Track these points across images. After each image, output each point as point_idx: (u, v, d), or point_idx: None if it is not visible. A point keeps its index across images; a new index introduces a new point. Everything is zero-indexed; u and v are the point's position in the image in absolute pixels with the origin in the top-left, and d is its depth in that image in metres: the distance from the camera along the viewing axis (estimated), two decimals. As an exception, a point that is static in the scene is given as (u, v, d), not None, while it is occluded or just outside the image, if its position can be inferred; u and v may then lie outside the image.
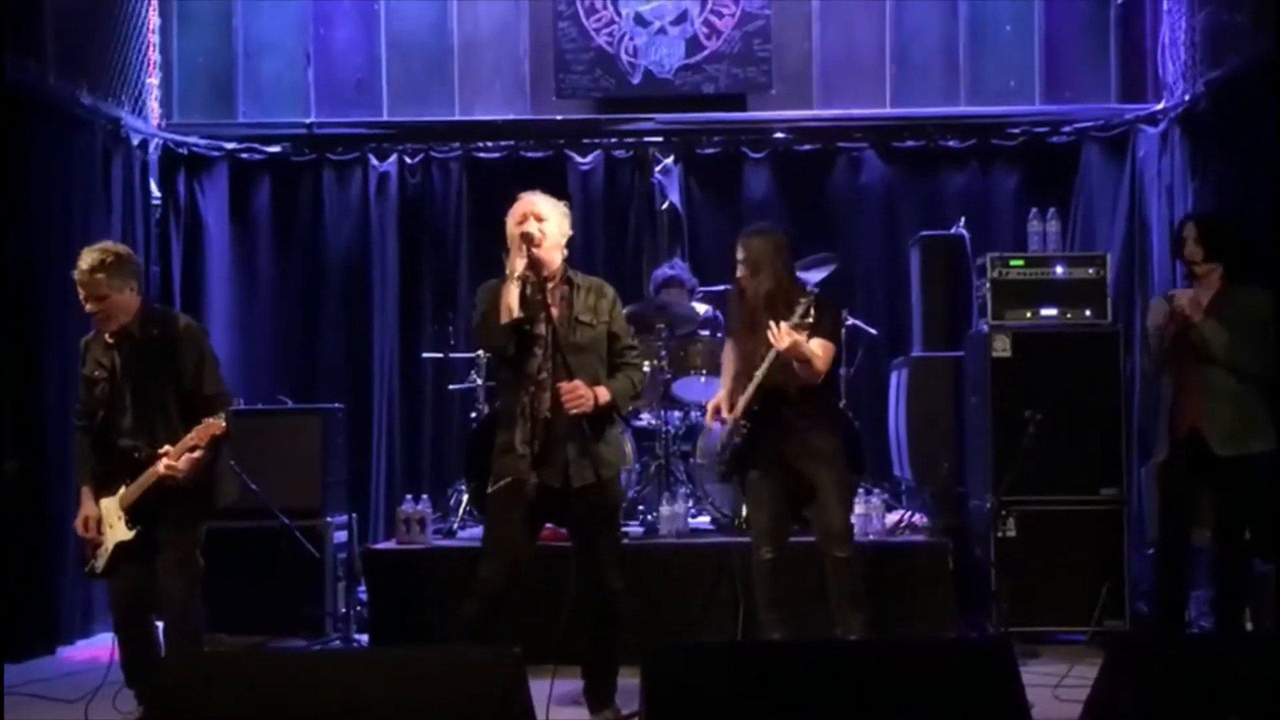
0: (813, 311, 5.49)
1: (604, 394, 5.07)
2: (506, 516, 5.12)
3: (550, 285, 5.09)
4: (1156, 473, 6.16)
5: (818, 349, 5.59)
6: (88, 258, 5.22)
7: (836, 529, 5.73)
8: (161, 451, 5.15)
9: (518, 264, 4.99)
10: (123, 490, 5.23)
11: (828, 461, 5.74)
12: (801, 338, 5.47)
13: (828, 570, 5.75)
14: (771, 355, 5.53)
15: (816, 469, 5.71)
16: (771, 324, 5.49)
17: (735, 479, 5.95)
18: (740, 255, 5.79)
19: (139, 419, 5.24)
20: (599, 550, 5.17)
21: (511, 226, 5.11)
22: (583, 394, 4.98)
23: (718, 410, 5.84)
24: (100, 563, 5.29)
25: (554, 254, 5.11)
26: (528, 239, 5.00)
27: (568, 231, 5.18)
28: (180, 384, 5.26)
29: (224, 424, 5.15)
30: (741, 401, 5.68)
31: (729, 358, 5.95)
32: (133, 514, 5.22)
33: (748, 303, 5.78)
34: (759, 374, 5.59)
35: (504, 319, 4.97)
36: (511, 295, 4.97)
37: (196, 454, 5.13)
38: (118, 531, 5.25)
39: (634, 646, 3.92)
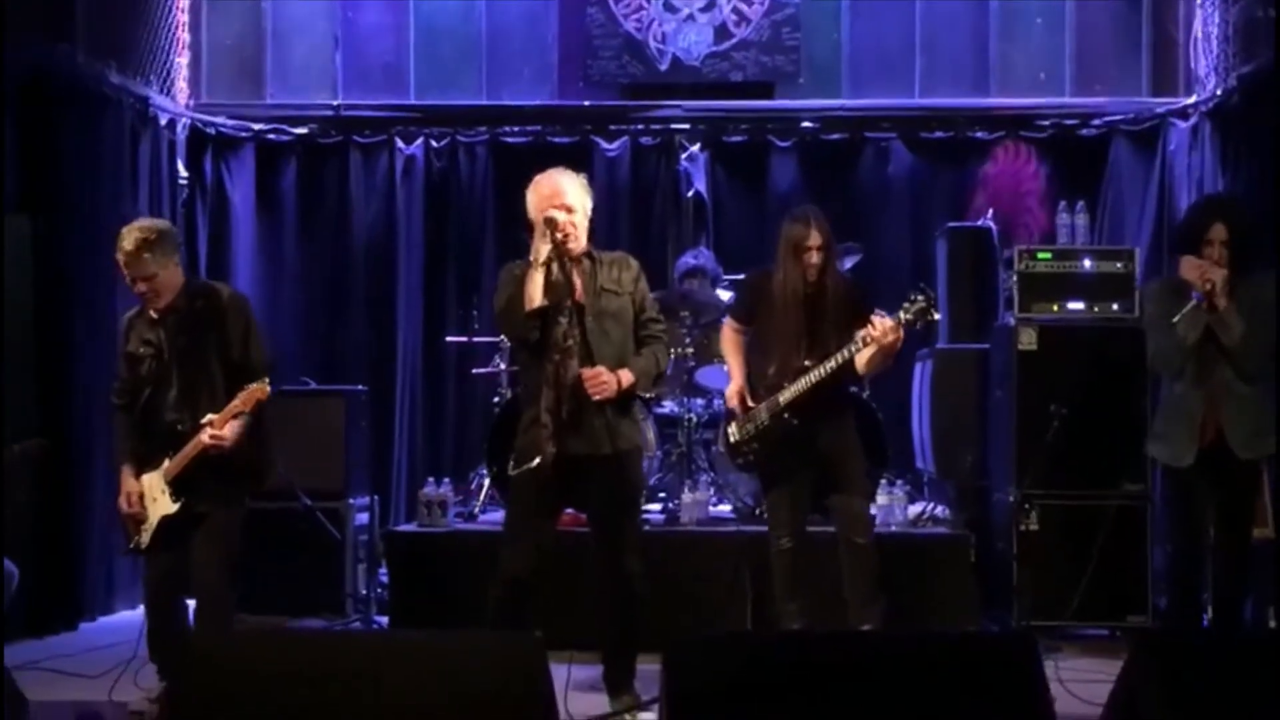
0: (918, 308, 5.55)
1: (627, 377, 5.05)
2: (530, 498, 5.10)
3: (573, 264, 5.05)
4: (1178, 478, 5.74)
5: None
6: (130, 238, 5.14)
7: (858, 515, 5.77)
8: (205, 421, 5.09)
9: (542, 250, 4.96)
10: (166, 463, 5.17)
11: (853, 450, 5.77)
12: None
13: (845, 560, 5.76)
14: (870, 350, 5.51)
15: (841, 457, 5.73)
16: (875, 318, 5.48)
17: (756, 469, 5.92)
18: (815, 240, 5.66)
19: (185, 393, 5.19)
20: (619, 531, 5.16)
21: (534, 208, 5.08)
22: (606, 379, 4.97)
23: (743, 399, 5.80)
24: (146, 537, 5.23)
25: (580, 238, 5.11)
26: (552, 225, 4.97)
27: (590, 210, 5.16)
28: (227, 355, 5.21)
29: (267, 388, 5.10)
30: (790, 394, 5.65)
31: (737, 342, 5.93)
32: (177, 487, 5.16)
33: (788, 286, 5.69)
34: (832, 365, 5.58)
35: (528, 306, 4.95)
36: (535, 284, 4.95)
37: (240, 420, 5.09)
38: (162, 505, 5.18)
39: (654, 634, 3.92)
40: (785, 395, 5.68)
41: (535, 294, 4.94)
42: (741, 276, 6.74)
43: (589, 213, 5.15)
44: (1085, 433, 6.60)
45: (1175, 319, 5.49)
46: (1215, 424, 5.59)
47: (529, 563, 5.07)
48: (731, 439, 5.90)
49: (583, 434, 5.01)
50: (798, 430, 5.69)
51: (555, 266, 4.98)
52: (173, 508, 5.17)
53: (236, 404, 5.07)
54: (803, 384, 5.64)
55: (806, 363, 5.65)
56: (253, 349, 5.27)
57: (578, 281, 5.01)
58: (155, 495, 5.21)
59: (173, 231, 5.36)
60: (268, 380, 5.14)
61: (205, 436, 5.07)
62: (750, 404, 5.78)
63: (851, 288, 5.90)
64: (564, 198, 5.07)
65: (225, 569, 5.20)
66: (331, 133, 8.85)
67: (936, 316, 5.74)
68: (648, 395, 7.14)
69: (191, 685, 3.65)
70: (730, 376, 5.97)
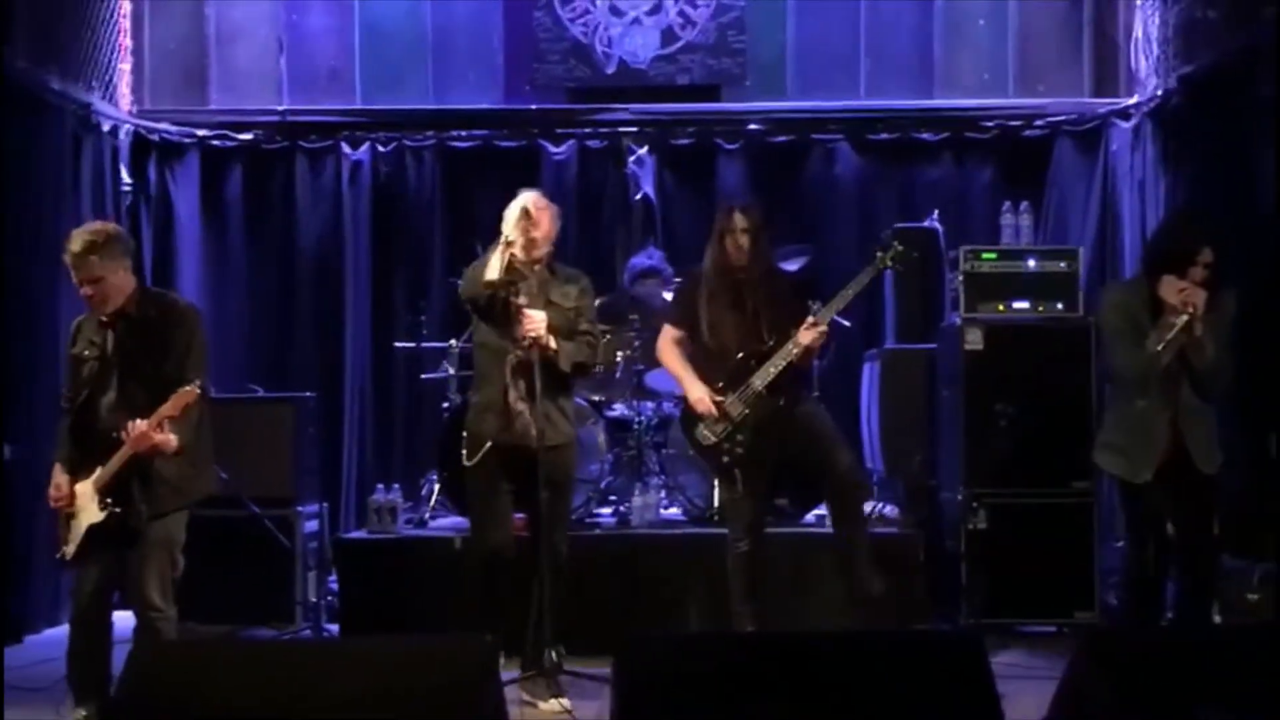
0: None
1: (554, 342, 5.51)
2: (491, 480, 5.60)
3: (535, 269, 5.56)
4: (1135, 490, 5.61)
5: None
6: (78, 240, 5.06)
7: (851, 464, 5.94)
8: (130, 426, 4.96)
9: (512, 234, 5.46)
10: (98, 471, 5.06)
11: (819, 417, 5.93)
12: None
13: (845, 519, 5.90)
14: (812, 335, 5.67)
15: (809, 424, 5.84)
16: (805, 329, 5.68)
17: (740, 465, 5.83)
18: (740, 223, 5.78)
19: (122, 400, 5.08)
20: (555, 512, 5.58)
21: (510, 221, 5.51)
22: (539, 323, 5.45)
23: (711, 400, 5.78)
24: (71, 548, 5.09)
25: (543, 248, 5.59)
26: (526, 216, 5.49)
27: (557, 230, 5.66)
28: (166, 366, 5.10)
29: (197, 390, 4.98)
30: (763, 377, 5.72)
31: (678, 350, 5.96)
32: (106, 495, 5.03)
33: (715, 269, 5.82)
34: (795, 351, 5.70)
35: (486, 275, 5.45)
36: (498, 258, 5.44)
37: (172, 425, 4.98)
38: (89, 514, 5.05)
39: (606, 636, 3.92)
40: (759, 380, 5.71)
41: (494, 266, 5.44)
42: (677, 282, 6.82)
43: (552, 237, 5.63)
44: (1032, 431, 6.67)
45: (1160, 346, 5.36)
46: (1176, 440, 5.52)
47: (507, 537, 5.58)
48: (708, 441, 5.83)
49: (524, 426, 5.47)
50: (780, 410, 5.73)
51: (519, 258, 5.46)
52: (99, 517, 5.03)
53: (165, 409, 4.95)
54: (775, 363, 5.70)
55: (771, 343, 5.72)
56: (189, 365, 5.13)
57: (533, 288, 5.53)
58: (85, 504, 5.07)
59: (122, 235, 5.26)
60: (198, 383, 5.04)
61: (132, 431, 4.93)
62: (719, 400, 5.77)
63: (792, 283, 6.04)
64: (537, 229, 5.53)
65: (162, 582, 5.09)
66: (277, 138, 8.78)
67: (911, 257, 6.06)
68: (597, 399, 7.17)
69: (138, 697, 3.62)
70: (685, 384, 5.90)
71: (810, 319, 5.69)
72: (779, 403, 5.74)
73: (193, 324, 5.25)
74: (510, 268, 5.45)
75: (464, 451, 5.64)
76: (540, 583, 5.52)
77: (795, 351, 5.69)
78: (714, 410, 5.76)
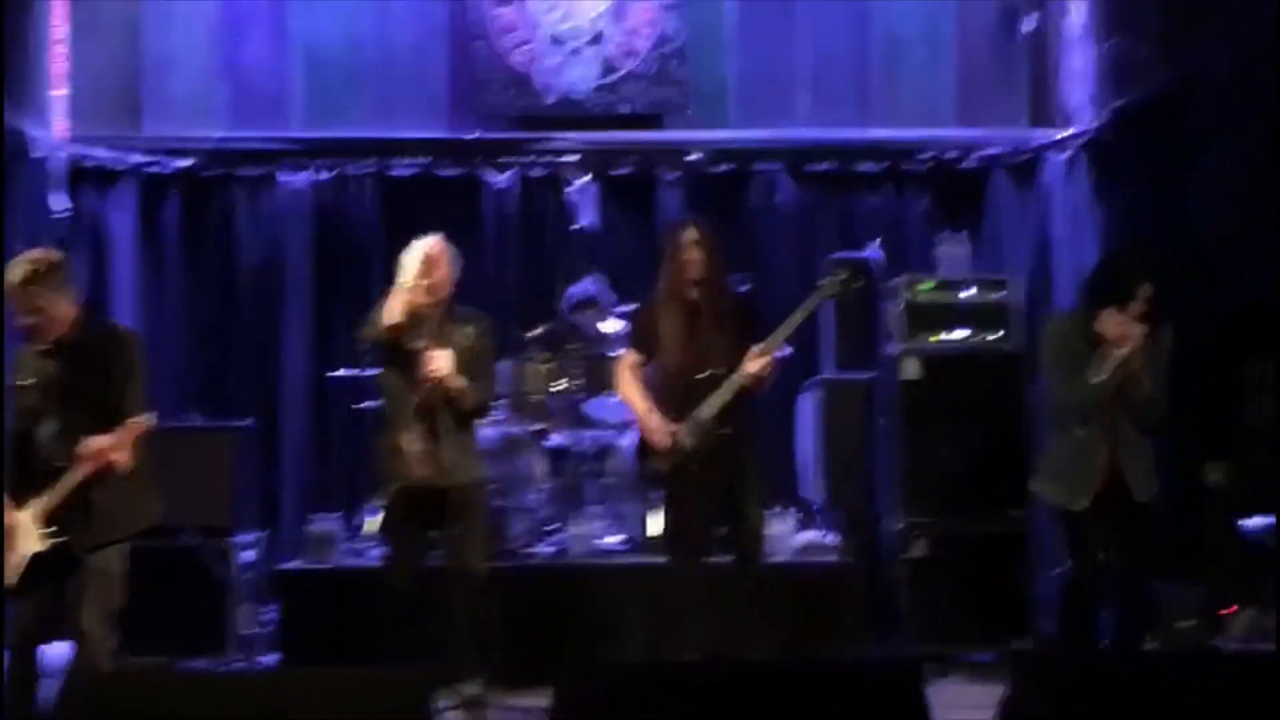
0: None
1: (458, 382, 5.64)
2: (404, 521, 5.77)
3: (436, 312, 5.71)
4: (1073, 517, 5.72)
5: None
6: (18, 270, 5.00)
7: (756, 549, 5.86)
8: (82, 449, 4.94)
9: (411, 278, 5.67)
10: (43, 499, 5.00)
11: (757, 475, 5.87)
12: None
13: (738, 588, 5.80)
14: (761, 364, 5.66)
15: (746, 482, 5.79)
16: (750, 361, 5.64)
17: (690, 492, 5.81)
18: (693, 237, 5.79)
19: (64, 429, 5.03)
20: (466, 550, 5.72)
21: (410, 265, 5.71)
22: (442, 362, 5.58)
23: (664, 427, 5.76)
24: (13, 577, 5.00)
25: (444, 291, 5.76)
26: (427, 262, 5.69)
27: (457, 273, 5.83)
28: (106, 395, 5.06)
29: (150, 421, 5.00)
30: (712, 406, 5.68)
31: (636, 377, 5.93)
32: (49, 525, 4.97)
33: (669, 289, 5.81)
34: (738, 382, 5.67)
35: (387, 320, 5.65)
36: (396, 302, 5.65)
37: (117, 454, 4.96)
38: (31, 542, 4.99)
39: (544, 666, 3.91)
40: (707, 410, 5.68)
41: (394, 310, 5.64)
42: (635, 308, 6.79)
43: (451, 280, 5.80)
44: (969, 460, 6.72)
45: (1099, 378, 5.47)
46: (1114, 469, 5.62)
47: (416, 573, 5.74)
48: (659, 470, 5.82)
49: (434, 464, 5.64)
50: (727, 442, 5.70)
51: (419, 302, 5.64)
52: (41, 545, 4.99)
53: (116, 438, 4.95)
54: (724, 392, 5.67)
55: (722, 369, 5.69)
56: (129, 395, 5.11)
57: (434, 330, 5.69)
58: (26, 533, 5.01)
59: (65, 264, 5.21)
60: (148, 415, 5.03)
61: (82, 455, 4.92)
62: (673, 430, 5.75)
63: (744, 306, 6.01)
64: (432, 273, 5.71)
65: (101, 613, 5.05)
66: (214, 165, 8.71)
67: (856, 284, 6.05)
68: (536, 428, 7.15)
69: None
70: (640, 414, 5.88)
71: (757, 348, 5.68)
72: (727, 431, 5.71)
73: (133, 351, 5.22)
74: (410, 310, 5.62)
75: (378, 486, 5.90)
76: (454, 619, 5.62)
77: (743, 380, 5.68)
78: (669, 443, 5.74)
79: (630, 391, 5.95)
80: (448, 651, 5.57)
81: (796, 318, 5.87)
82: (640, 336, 6.00)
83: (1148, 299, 5.50)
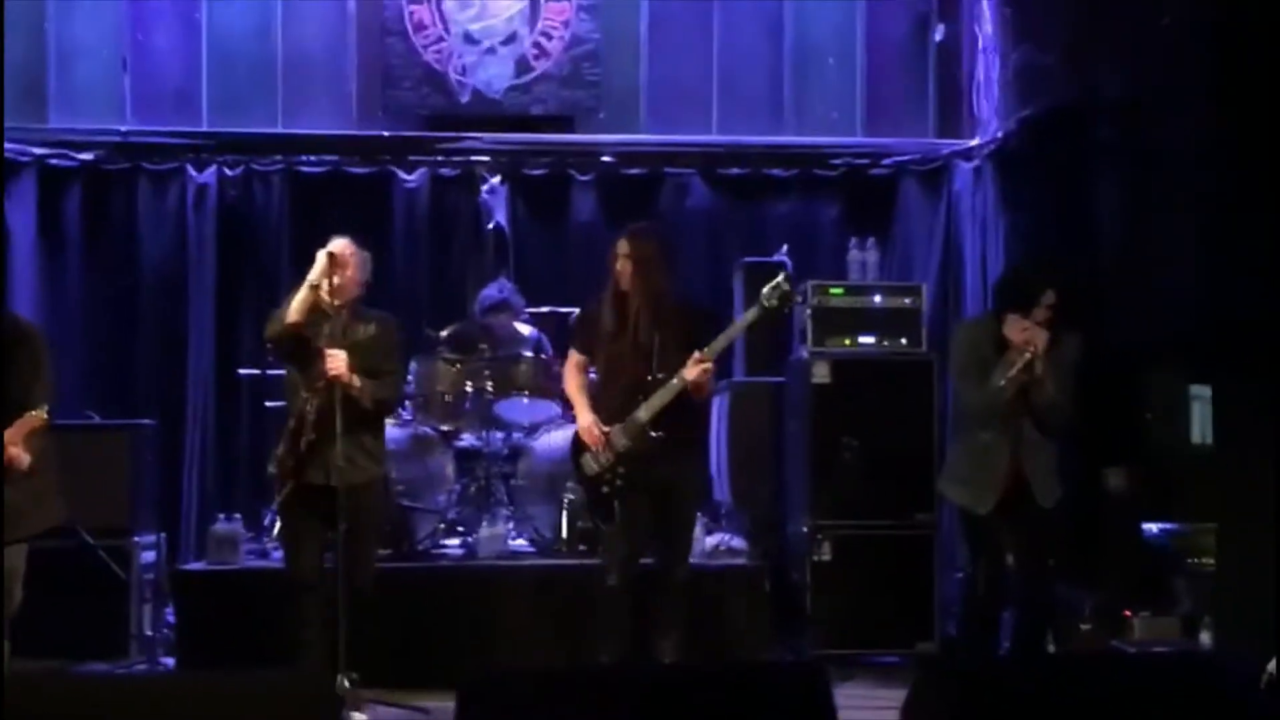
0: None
1: (356, 380, 5.62)
2: (300, 519, 5.75)
3: (341, 312, 5.70)
4: (977, 520, 5.77)
5: None
6: None
7: (685, 554, 5.89)
8: None
9: (315, 275, 5.66)
10: None
11: (695, 489, 5.99)
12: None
13: (660, 592, 5.79)
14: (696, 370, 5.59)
15: (683, 494, 5.82)
16: (691, 366, 5.57)
17: (618, 497, 5.76)
18: (623, 249, 5.77)
19: None
20: (355, 551, 5.65)
21: (317, 265, 5.71)
22: (340, 360, 5.56)
23: (597, 429, 5.75)
24: None
25: (351, 292, 5.77)
26: (331, 259, 5.69)
27: (365, 275, 5.87)
28: (9, 389, 4.96)
29: (44, 415, 4.91)
30: (648, 411, 5.65)
31: (580, 378, 5.95)
32: None
33: (615, 309, 5.78)
34: (677, 385, 5.62)
35: (289, 318, 5.65)
36: (299, 300, 5.65)
37: (11, 448, 4.86)
38: None
39: (451, 670, 3.88)
40: (643, 413, 5.66)
41: (296, 308, 5.65)
42: (545, 310, 6.79)
43: (358, 281, 5.82)
44: (876, 464, 6.78)
45: (1002, 382, 5.54)
46: (1018, 472, 5.69)
47: (312, 571, 5.70)
48: (591, 470, 5.79)
49: (322, 466, 5.62)
50: (659, 447, 5.67)
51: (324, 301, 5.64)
52: None
53: (9, 432, 4.83)
54: (662, 396, 5.64)
55: (660, 375, 5.67)
56: (37, 387, 5.03)
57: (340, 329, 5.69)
58: None
59: None
60: (44, 410, 4.92)
61: None
62: (605, 431, 5.73)
63: (692, 313, 5.92)
64: (351, 255, 5.78)
65: None
66: (119, 159, 8.55)
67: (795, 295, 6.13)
68: (446, 429, 7.10)
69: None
70: (577, 412, 5.90)
71: (695, 355, 5.65)
72: (661, 436, 5.68)
73: (37, 345, 5.14)
74: (313, 309, 5.64)
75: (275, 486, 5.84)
76: (335, 617, 5.58)
77: (680, 386, 5.66)
78: (599, 440, 5.73)
79: (571, 388, 6.00)
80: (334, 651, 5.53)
81: (737, 327, 5.94)
82: (582, 339, 6.04)
83: (1051, 305, 5.60)
